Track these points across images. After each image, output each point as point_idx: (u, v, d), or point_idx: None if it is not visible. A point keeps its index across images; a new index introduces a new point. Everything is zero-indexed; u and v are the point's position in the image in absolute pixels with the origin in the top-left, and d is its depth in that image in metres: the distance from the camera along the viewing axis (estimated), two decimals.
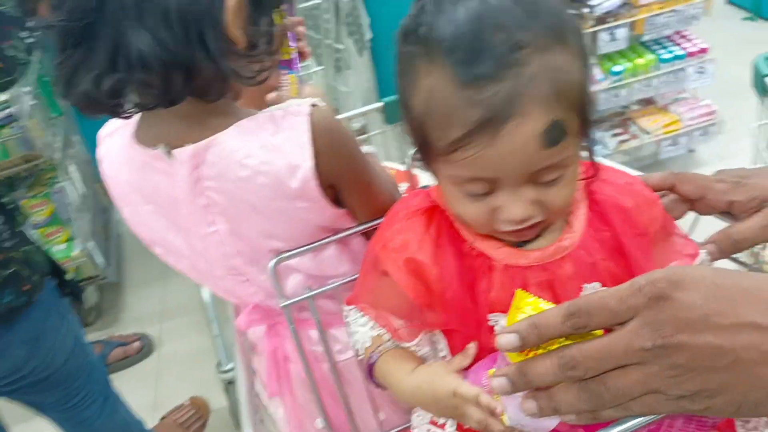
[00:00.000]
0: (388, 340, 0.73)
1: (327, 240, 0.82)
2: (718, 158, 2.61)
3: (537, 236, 0.67)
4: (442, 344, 0.72)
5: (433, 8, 0.58)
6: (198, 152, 0.74)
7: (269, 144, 0.73)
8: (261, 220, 0.77)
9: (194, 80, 0.69)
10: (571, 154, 0.60)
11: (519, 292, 0.53)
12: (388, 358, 0.72)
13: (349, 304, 0.76)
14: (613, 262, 0.67)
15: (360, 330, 0.74)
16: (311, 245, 0.81)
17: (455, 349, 0.70)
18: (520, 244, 0.67)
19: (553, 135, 0.57)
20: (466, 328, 0.68)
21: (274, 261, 0.81)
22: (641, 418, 0.51)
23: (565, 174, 0.61)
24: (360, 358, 0.75)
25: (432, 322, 0.71)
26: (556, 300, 0.64)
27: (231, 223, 0.78)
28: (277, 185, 0.74)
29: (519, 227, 0.62)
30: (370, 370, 0.73)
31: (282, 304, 0.83)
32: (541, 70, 0.55)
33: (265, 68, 0.73)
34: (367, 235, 0.84)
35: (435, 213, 0.71)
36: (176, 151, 0.74)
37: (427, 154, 0.63)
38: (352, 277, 0.84)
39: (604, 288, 0.54)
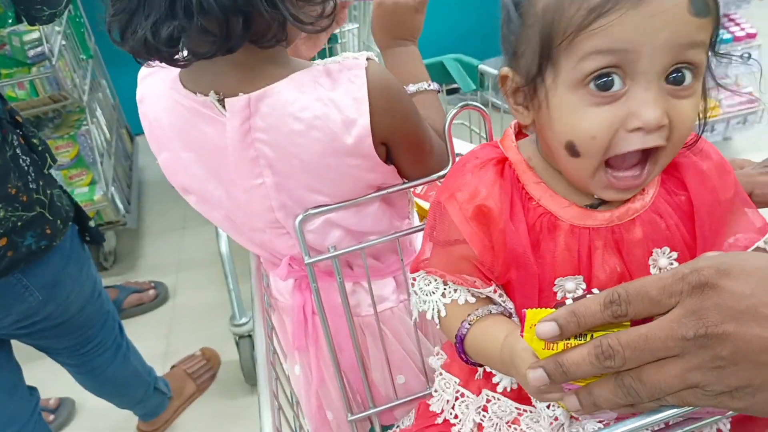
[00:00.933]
0: (474, 310, 0.67)
1: (365, 198, 0.80)
2: (754, 148, 2.53)
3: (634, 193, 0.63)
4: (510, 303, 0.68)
5: None
6: (251, 103, 0.72)
7: (325, 97, 0.71)
8: (310, 176, 0.76)
9: (253, 26, 0.67)
10: (704, 59, 0.57)
11: (529, 312, 0.51)
12: (476, 333, 0.66)
13: (414, 271, 0.71)
14: (686, 228, 0.64)
15: (428, 299, 0.69)
16: (346, 202, 0.79)
17: (518, 309, 0.67)
18: (591, 206, 0.64)
19: (701, 3, 0.54)
20: (530, 288, 0.65)
21: (300, 217, 0.79)
22: (679, 409, 0.49)
23: (696, 87, 0.57)
24: (428, 320, 0.70)
25: (498, 276, 0.66)
26: (624, 265, 0.62)
27: (278, 177, 0.77)
28: (331, 140, 0.72)
29: (651, 137, 0.56)
30: (461, 344, 0.67)
31: (307, 262, 0.81)
32: None
33: (325, 14, 0.70)
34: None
35: (505, 164, 0.66)
36: (229, 101, 0.72)
37: (547, 51, 0.58)
38: (388, 237, 0.83)
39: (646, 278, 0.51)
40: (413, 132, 0.78)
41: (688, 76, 0.56)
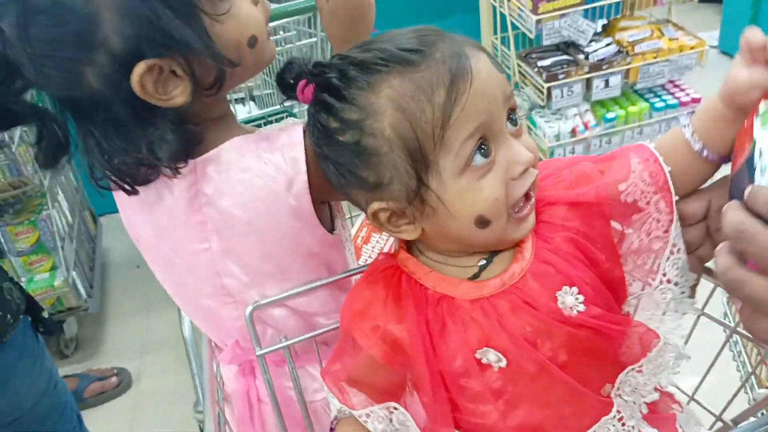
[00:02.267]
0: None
1: (317, 283, 0.80)
2: None
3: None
4: (411, 423, 0.70)
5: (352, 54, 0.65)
6: (197, 167, 0.74)
7: (265, 158, 0.73)
8: (255, 240, 0.76)
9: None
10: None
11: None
12: (343, 426, 0.71)
13: (322, 375, 0.73)
14: (574, 264, 0.66)
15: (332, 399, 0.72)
16: (293, 291, 0.79)
17: (434, 414, 0.68)
18: (475, 276, 0.67)
19: (494, 61, 0.65)
20: (450, 376, 0.66)
21: (251, 308, 0.78)
22: None
23: (522, 122, 0.66)
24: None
25: (409, 382, 0.69)
26: (537, 319, 0.64)
27: (225, 242, 0.77)
28: (273, 201, 0.73)
29: (531, 172, 0.64)
30: None
31: (258, 353, 0.80)
32: (449, 35, 0.64)
33: (223, 73, 0.73)
34: None
35: (396, 272, 0.70)
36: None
37: (422, 162, 0.61)
38: (333, 326, 0.82)
39: None
40: None
41: (516, 118, 0.65)
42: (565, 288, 0.64)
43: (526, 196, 0.65)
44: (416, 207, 0.63)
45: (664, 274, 0.69)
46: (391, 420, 0.70)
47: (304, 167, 0.72)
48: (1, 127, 0.73)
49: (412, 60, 0.60)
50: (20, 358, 1.26)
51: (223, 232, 0.77)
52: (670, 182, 0.67)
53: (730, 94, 0.62)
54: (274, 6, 1.65)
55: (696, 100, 2.42)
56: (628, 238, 0.69)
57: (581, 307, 0.63)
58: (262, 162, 0.73)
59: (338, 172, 0.65)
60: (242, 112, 2.01)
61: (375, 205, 0.64)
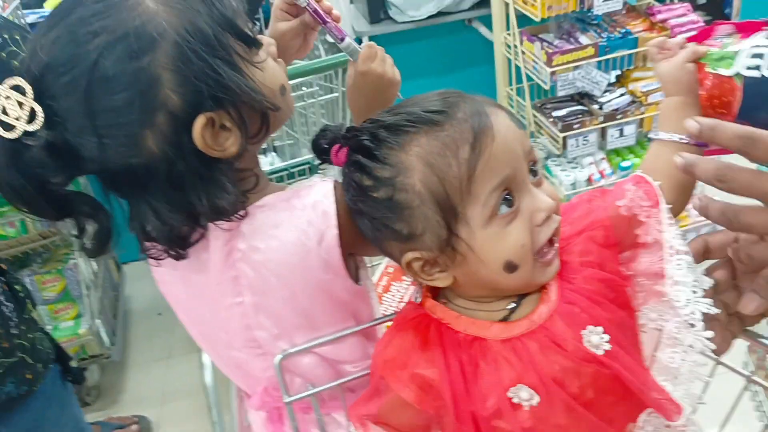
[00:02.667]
0: None
1: (345, 332, 0.83)
2: None
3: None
4: None
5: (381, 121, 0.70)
6: (232, 224, 0.77)
7: (297, 213, 0.76)
8: (287, 293, 0.79)
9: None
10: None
11: None
12: None
13: (348, 411, 0.76)
14: (598, 302, 0.70)
15: None
16: (321, 340, 0.81)
17: None
18: (505, 318, 0.70)
19: (515, 118, 0.70)
20: (482, 418, 0.68)
21: (279, 357, 0.81)
22: None
23: (542, 173, 0.71)
24: None
25: (436, 426, 0.71)
26: (565, 358, 0.67)
27: (257, 296, 0.80)
28: (305, 256, 0.76)
29: (554, 218, 0.69)
30: None
31: (286, 401, 0.82)
32: (469, 96, 0.70)
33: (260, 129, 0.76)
34: None
35: (424, 319, 0.73)
36: (213, 227, 0.77)
37: (451, 213, 0.66)
38: (362, 373, 0.84)
39: None
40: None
41: (537, 164, 0.70)
42: (590, 327, 0.68)
43: (550, 242, 0.69)
44: (448, 255, 0.68)
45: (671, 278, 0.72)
46: None
47: (335, 221, 0.75)
48: (50, 217, 0.74)
49: (437, 120, 0.66)
50: (49, 406, 1.29)
51: (257, 286, 0.79)
52: (660, 195, 0.72)
53: (673, 81, 0.77)
54: (299, 63, 1.72)
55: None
56: (639, 256, 0.73)
57: (607, 346, 0.67)
58: (294, 217, 0.76)
59: (373, 226, 0.70)
60: (265, 163, 2.07)
61: (409, 255, 0.69)
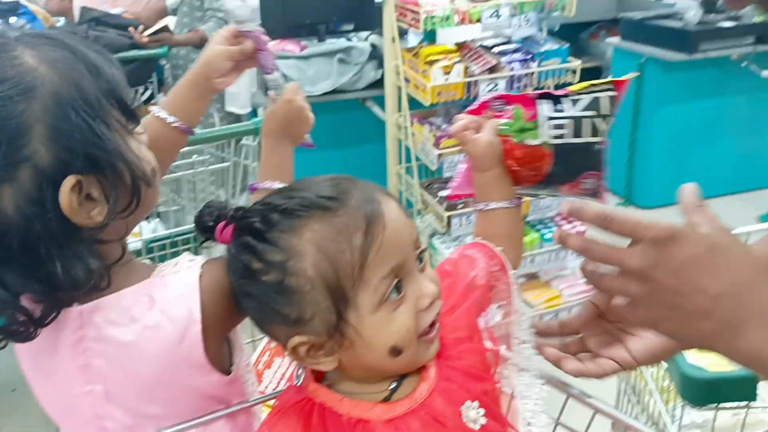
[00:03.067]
0: None
1: (207, 417, 0.79)
2: None
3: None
4: None
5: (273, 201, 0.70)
6: (83, 314, 0.72)
7: (157, 309, 0.72)
8: (143, 387, 0.74)
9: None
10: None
11: None
12: None
13: None
14: (473, 375, 0.75)
15: None
16: (180, 426, 0.77)
17: None
18: (386, 399, 0.72)
19: (403, 208, 0.72)
20: None
21: None
22: None
23: (426, 258, 0.74)
24: None
25: None
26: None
27: (109, 385, 0.75)
28: (162, 352, 0.72)
29: (437, 303, 0.71)
30: None
31: None
32: (362, 182, 0.72)
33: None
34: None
35: (307, 404, 0.72)
36: (64, 310, 0.72)
37: (342, 299, 0.66)
38: None
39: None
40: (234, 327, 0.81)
41: (424, 255, 0.73)
42: (467, 403, 0.72)
43: (432, 324, 0.72)
44: (335, 340, 0.68)
45: (517, 338, 0.81)
46: None
47: (198, 316, 0.72)
48: None
49: (330, 206, 0.67)
50: None
51: (108, 376, 0.75)
52: (506, 260, 0.82)
53: (487, 158, 0.84)
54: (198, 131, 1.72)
55: (581, 233, 2.63)
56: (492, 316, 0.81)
57: (483, 420, 0.71)
58: (154, 312, 0.72)
59: (260, 309, 0.70)
60: (148, 230, 2.00)
61: (295, 340, 0.68)
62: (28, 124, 0.65)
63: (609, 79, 0.84)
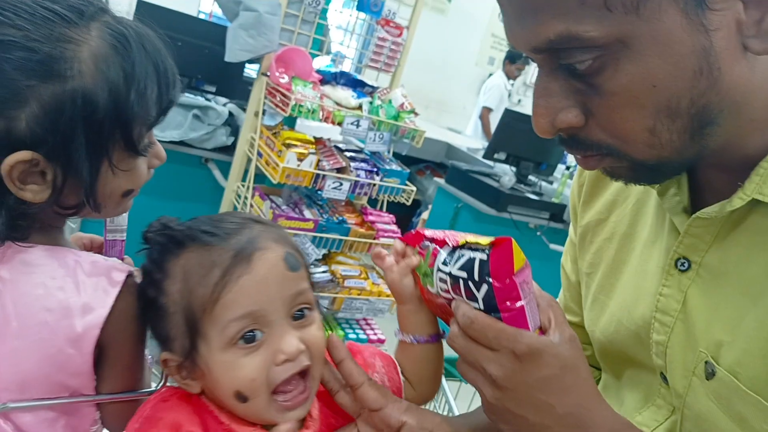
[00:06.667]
0: None
1: (64, 401, 0.74)
2: None
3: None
4: None
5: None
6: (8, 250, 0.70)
7: (77, 279, 0.71)
8: (19, 345, 0.69)
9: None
10: (312, 297, 0.75)
11: None
12: None
13: None
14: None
15: None
16: (41, 401, 0.72)
17: None
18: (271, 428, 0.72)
19: (292, 261, 0.73)
20: None
21: None
22: None
23: (315, 316, 0.75)
24: None
25: None
26: None
27: None
28: (60, 317, 0.69)
29: (298, 361, 0.71)
30: None
31: None
32: (265, 228, 0.75)
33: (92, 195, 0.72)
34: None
35: (193, 398, 0.73)
36: None
37: (195, 327, 0.69)
38: None
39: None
40: (136, 349, 0.79)
41: (307, 311, 0.74)
42: None
43: (296, 386, 0.72)
44: (190, 367, 0.71)
45: None
46: None
47: (110, 303, 0.72)
48: None
49: (209, 241, 0.72)
50: None
51: None
52: (402, 389, 0.83)
53: (398, 293, 0.80)
54: None
55: (381, 341, 2.78)
56: None
57: None
58: (70, 279, 0.71)
59: (144, 317, 0.76)
60: None
61: (163, 355, 0.74)
62: (25, 97, 0.65)
63: (490, 239, 0.69)
